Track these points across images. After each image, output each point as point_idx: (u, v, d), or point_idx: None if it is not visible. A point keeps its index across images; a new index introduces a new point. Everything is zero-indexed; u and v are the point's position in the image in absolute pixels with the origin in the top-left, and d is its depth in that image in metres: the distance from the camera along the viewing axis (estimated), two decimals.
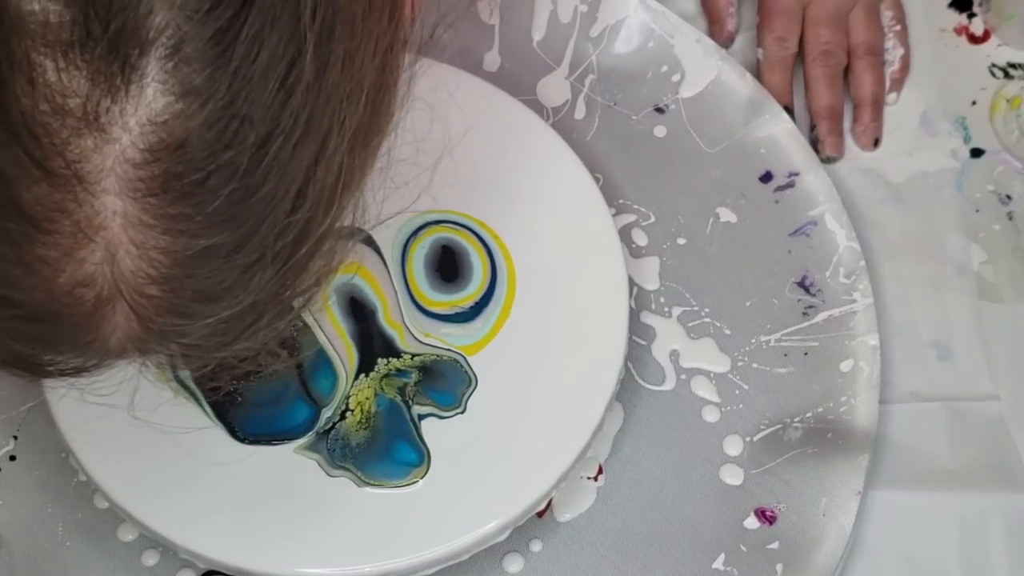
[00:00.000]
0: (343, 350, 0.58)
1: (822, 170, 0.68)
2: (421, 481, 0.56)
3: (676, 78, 0.71)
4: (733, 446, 0.62)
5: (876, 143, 0.71)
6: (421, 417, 0.57)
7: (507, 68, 0.72)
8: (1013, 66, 0.74)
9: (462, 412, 0.58)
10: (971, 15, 0.76)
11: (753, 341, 0.65)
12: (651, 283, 0.66)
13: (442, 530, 0.55)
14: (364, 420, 0.57)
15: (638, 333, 0.65)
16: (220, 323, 0.38)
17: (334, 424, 0.57)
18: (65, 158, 0.34)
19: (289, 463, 0.56)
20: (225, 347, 0.40)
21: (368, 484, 0.56)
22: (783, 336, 0.65)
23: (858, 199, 0.70)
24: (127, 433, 0.56)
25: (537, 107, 0.70)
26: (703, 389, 0.64)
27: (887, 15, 0.73)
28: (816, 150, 0.70)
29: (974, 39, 0.75)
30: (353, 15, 0.36)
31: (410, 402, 0.57)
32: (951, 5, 0.76)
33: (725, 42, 0.74)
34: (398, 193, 0.61)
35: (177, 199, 0.35)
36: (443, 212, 0.61)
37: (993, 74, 0.74)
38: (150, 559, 0.59)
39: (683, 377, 0.64)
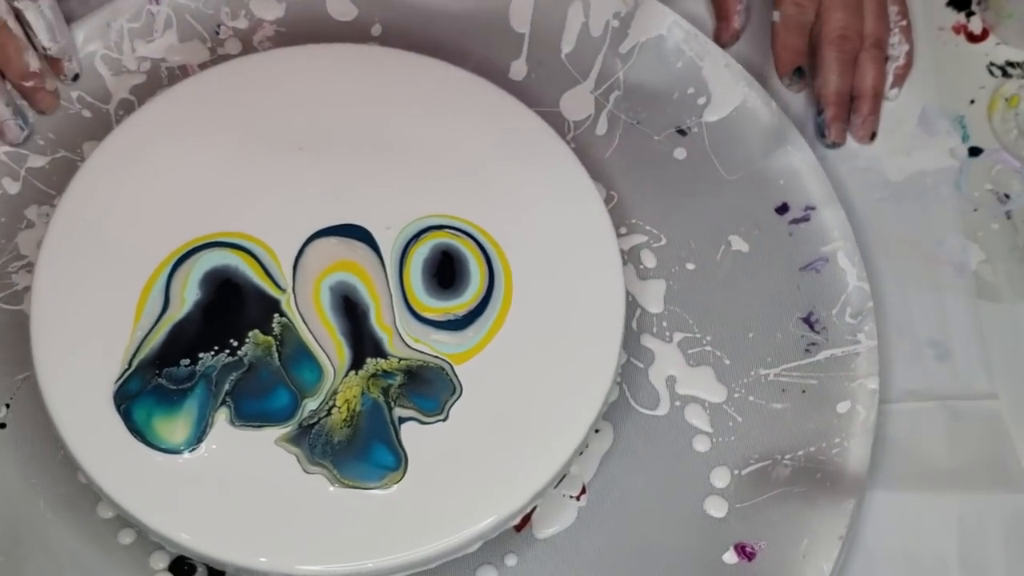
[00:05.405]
0: (331, 346, 0.58)
1: (839, 206, 0.67)
2: (396, 486, 0.56)
3: (702, 101, 0.71)
4: (720, 478, 0.61)
5: (873, 136, 0.71)
6: (402, 420, 0.57)
7: (533, 78, 0.71)
8: (1011, 64, 0.74)
9: (444, 419, 0.57)
10: (970, 13, 0.75)
11: (752, 373, 0.64)
12: (655, 306, 0.65)
13: (412, 536, 0.55)
14: (348, 418, 0.57)
15: (636, 355, 0.64)
16: None
17: (319, 419, 0.57)
18: None
19: (268, 456, 0.56)
20: None
21: (343, 484, 0.56)
22: (783, 371, 0.64)
23: (857, 198, 0.70)
24: (112, 413, 0.57)
25: (559, 120, 0.70)
26: (696, 418, 0.63)
27: (892, 9, 0.72)
28: (821, 135, 0.70)
29: (973, 38, 0.75)
30: None
31: (392, 404, 0.57)
32: (949, 3, 0.76)
33: (730, 40, 0.72)
34: (415, 195, 0.61)
35: None
36: (446, 217, 0.61)
37: (991, 73, 0.74)
38: (126, 538, 0.59)
39: (677, 404, 0.63)
